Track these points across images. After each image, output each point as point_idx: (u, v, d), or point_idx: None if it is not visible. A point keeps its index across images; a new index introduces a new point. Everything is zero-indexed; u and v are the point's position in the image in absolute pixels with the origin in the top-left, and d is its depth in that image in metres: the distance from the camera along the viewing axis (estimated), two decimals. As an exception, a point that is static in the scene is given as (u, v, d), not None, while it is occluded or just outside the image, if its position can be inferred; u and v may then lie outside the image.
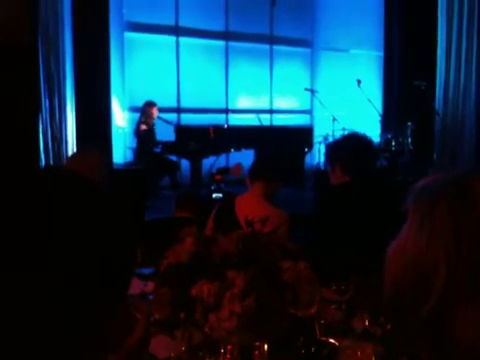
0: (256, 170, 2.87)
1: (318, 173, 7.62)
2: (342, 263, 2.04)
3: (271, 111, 8.80)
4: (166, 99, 7.53)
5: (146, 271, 2.04)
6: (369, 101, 7.44)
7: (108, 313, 0.65)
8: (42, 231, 0.60)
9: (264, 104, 8.75)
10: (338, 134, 7.50)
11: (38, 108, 5.95)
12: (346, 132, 6.60)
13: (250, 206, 2.66)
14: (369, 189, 2.54)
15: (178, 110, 7.97)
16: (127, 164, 7.05)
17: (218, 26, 8.23)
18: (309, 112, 9.13)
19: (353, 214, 2.45)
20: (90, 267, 0.61)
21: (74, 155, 3.05)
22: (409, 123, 7.38)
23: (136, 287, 1.97)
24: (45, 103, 6.10)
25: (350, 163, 2.58)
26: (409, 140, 7.36)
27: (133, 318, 0.76)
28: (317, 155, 8.18)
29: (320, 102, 7.84)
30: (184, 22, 7.88)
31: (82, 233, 0.62)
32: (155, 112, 6.79)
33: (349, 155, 2.60)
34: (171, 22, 7.85)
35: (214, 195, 6.02)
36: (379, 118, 7.72)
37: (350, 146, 2.66)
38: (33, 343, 0.59)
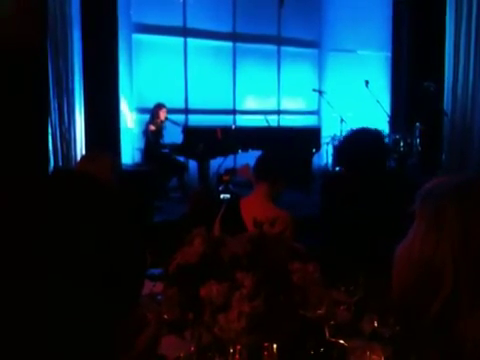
0: (260, 171, 2.84)
1: (326, 174, 7.61)
2: (351, 264, 2.04)
3: (279, 112, 8.79)
4: (174, 100, 7.55)
5: (155, 272, 2.05)
6: (377, 102, 7.42)
7: (121, 314, 0.65)
8: (54, 233, 0.60)
9: (272, 105, 8.75)
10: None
11: (47, 110, 5.98)
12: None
13: (254, 208, 2.65)
14: (377, 187, 2.47)
15: (186, 111, 7.99)
16: (135, 165, 7.07)
17: (226, 27, 8.24)
18: (317, 113, 9.12)
19: (360, 213, 2.40)
20: (104, 268, 0.62)
21: (86, 157, 3.07)
22: (417, 124, 7.36)
23: (145, 288, 1.98)
24: (54, 105, 6.13)
25: (356, 159, 2.51)
26: (417, 141, 7.34)
27: (144, 318, 0.77)
28: (325, 156, 8.17)
29: (328, 103, 7.83)
30: (192, 23, 7.90)
31: (95, 235, 0.62)
32: (163, 114, 6.81)
33: (355, 150, 2.53)
34: (179, 23, 7.87)
35: (222, 196, 6.03)
36: (387, 119, 7.69)
37: (356, 141, 2.59)
38: (45, 345, 0.59)
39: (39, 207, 0.62)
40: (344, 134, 7.04)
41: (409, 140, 7.29)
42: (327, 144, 7.95)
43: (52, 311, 0.59)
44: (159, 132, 6.80)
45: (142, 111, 7.35)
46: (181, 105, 7.90)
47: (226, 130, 6.86)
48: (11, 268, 0.58)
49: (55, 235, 0.60)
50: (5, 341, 0.58)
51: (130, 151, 7.31)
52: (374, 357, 1.48)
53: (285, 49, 8.74)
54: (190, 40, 7.96)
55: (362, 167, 2.48)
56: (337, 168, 7.66)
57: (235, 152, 7.12)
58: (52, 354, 0.59)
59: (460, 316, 0.75)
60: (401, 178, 2.43)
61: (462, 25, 8.14)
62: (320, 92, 8.18)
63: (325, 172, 7.88)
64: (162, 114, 6.79)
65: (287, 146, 6.73)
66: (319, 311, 1.35)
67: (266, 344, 1.37)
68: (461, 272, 0.75)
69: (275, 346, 1.38)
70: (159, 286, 1.88)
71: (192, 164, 7.06)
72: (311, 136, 7.47)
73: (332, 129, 7.98)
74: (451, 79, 8.22)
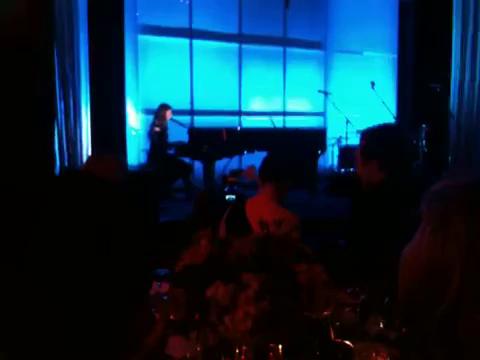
0: (265, 173, 2.82)
1: (332, 176, 7.60)
2: (357, 265, 2.03)
3: (284, 113, 8.79)
4: (179, 101, 7.56)
5: (160, 272, 2.05)
6: (383, 103, 7.40)
7: (127, 314, 0.66)
8: (57, 233, 0.61)
9: (277, 106, 8.75)
10: (352, 136, 7.47)
11: (53, 110, 6.01)
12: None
13: (260, 209, 2.65)
14: (406, 189, 2.29)
15: (191, 112, 8.01)
16: (141, 166, 7.09)
17: (231, 28, 8.25)
18: (322, 114, 9.11)
19: (387, 216, 2.26)
20: (106, 268, 0.62)
21: (92, 158, 3.09)
22: (424, 125, 7.34)
23: (151, 288, 1.98)
24: (60, 106, 6.16)
25: (391, 157, 2.34)
26: (424, 142, 7.32)
27: (152, 318, 0.77)
28: (330, 157, 8.17)
29: (333, 104, 7.83)
30: (197, 25, 7.92)
31: (98, 234, 0.63)
32: (169, 115, 6.83)
33: (390, 148, 2.36)
34: (185, 25, 7.89)
35: (227, 197, 6.03)
36: (393, 120, 7.67)
37: (391, 137, 2.44)
38: (47, 344, 0.60)
39: (42, 207, 0.62)
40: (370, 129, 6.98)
41: (415, 141, 7.27)
42: (332, 145, 7.95)
43: (53, 311, 0.59)
44: (164, 133, 6.82)
45: (148, 112, 7.37)
46: (187, 106, 7.92)
47: (231, 131, 6.86)
48: (12, 268, 0.58)
49: (57, 235, 0.60)
50: (6, 341, 0.58)
51: (135, 152, 7.33)
52: (380, 359, 1.48)
53: (290, 50, 8.74)
54: (196, 41, 7.97)
55: (395, 165, 2.37)
56: (342, 169, 7.65)
57: (240, 153, 7.13)
58: (54, 354, 0.60)
59: (465, 317, 0.75)
60: (410, 179, 2.37)
61: (468, 26, 8.11)
62: (326, 93, 8.18)
63: (331, 173, 7.87)
64: (168, 115, 6.82)
65: (292, 147, 6.73)
66: (325, 312, 1.35)
67: (272, 345, 1.37)
68: (467, 273, 0.75)
69: (281, 347, 1.38)
70: (165, 286, 1.88)
71: (197, 165, 7.07)
72: (316, 137, 7.46)
73: (338, 130, 7.98)
74: (457, 80, 8.19)
